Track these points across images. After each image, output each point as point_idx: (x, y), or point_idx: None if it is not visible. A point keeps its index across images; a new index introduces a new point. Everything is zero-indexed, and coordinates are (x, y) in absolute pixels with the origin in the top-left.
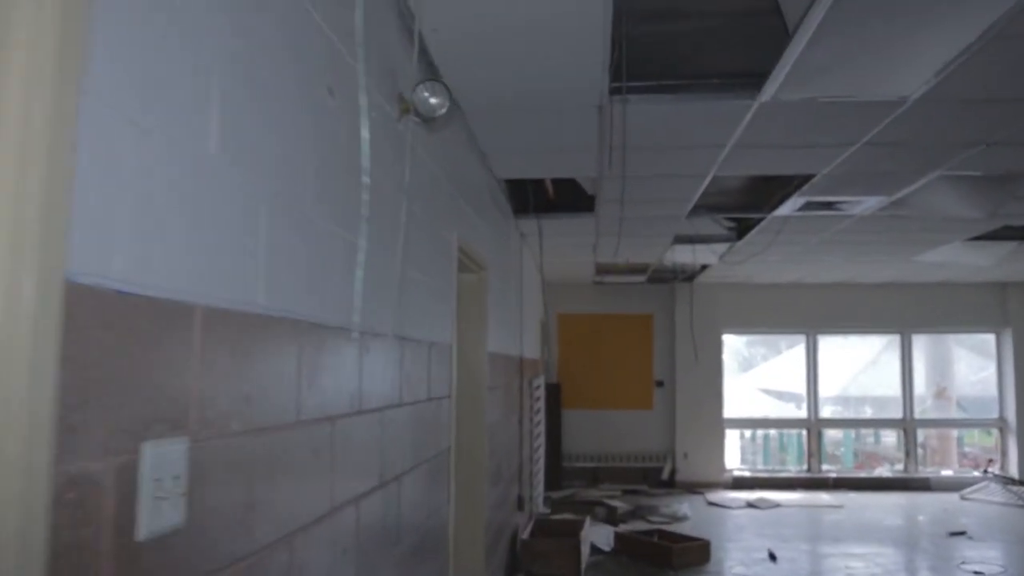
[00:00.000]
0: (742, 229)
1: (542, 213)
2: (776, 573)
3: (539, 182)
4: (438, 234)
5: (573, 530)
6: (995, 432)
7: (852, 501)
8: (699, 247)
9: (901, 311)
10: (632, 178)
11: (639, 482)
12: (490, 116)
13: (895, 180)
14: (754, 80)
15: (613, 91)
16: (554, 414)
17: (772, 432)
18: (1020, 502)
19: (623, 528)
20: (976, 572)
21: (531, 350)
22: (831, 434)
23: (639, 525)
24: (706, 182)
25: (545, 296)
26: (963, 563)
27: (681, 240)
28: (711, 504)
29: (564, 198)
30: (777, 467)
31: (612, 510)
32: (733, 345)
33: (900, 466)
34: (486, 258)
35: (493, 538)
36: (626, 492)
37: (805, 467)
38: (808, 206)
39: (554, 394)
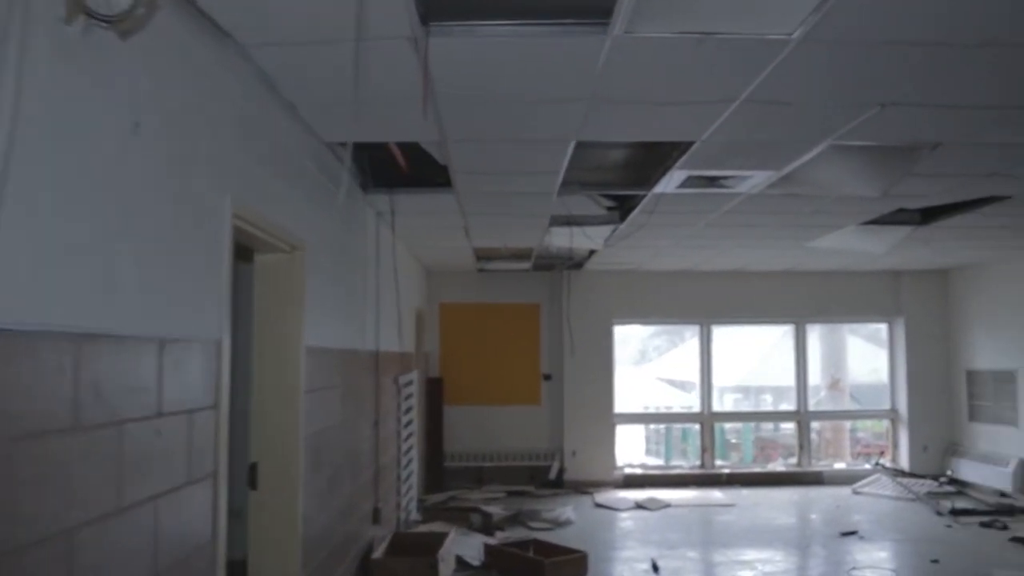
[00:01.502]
0: (625, 210)
1: (395, 188)
2: None
3: (386, 151)
4: (190, 196)
5: (435, 544)
6: (887, 423)
7: (744, 499)
8: (579, 230)
9: (795, 301)
10: (481, 143)
11: (526, 482)
12: (281, 53)
13: (782, 150)
14: (603, 3)
15: (428, 19)
16: (435, 411)
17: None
18: (909, 495)
19: (499, 537)
20: None
21: (398, 343)
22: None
23: (518, 533)
24: (569, 149)
25: (426, 284)
26: (854, 568)
27: (558, 222)
28: (599, 506)
29: (424, 171)
30: (678, 460)
31: (488, 517)
32: (638, 334)
33: (794, 459)
34: (304, 236)
35: (327, 560)
36: (511, 494)
37: (699, 462)
38: (691, 182)
39: (435, 389)
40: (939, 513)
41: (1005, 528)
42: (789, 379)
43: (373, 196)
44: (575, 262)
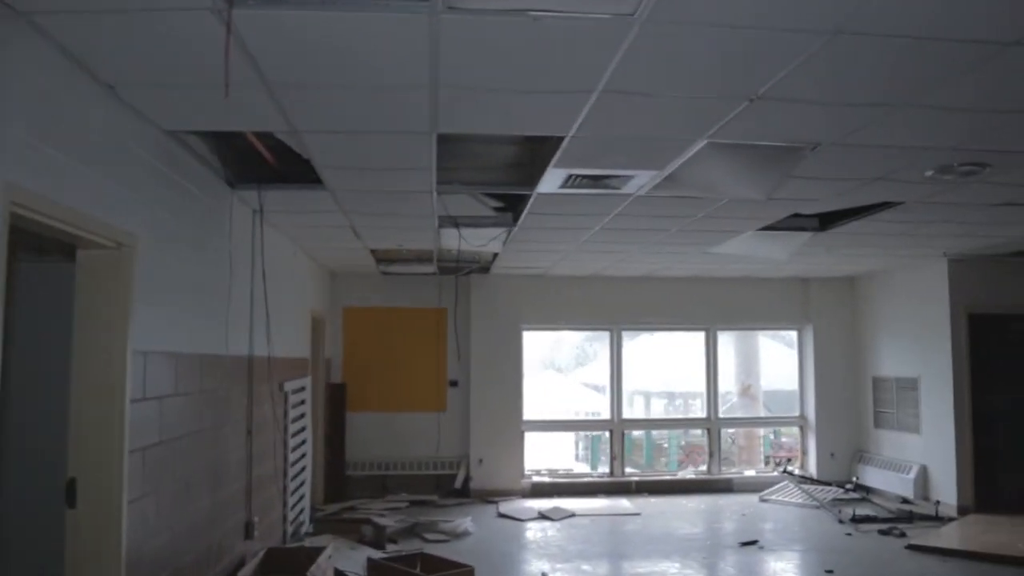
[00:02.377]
0: (517, 212)
1: (264, 184)
2: None
3: (250, 144)
4: None
5: (311, 561)
6: (793, 431)
7: (652, 507)
8: (472, 231)
9: (705, 307)
10: (336, 135)
11: (431, 491)
12: (75, 24)
13: (659, 148)
14: None
15: None
16: (338, 418)
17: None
18: (814, 503)
19: (391, 550)
20: None
21: (284, 348)
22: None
23: (412, 545)
24: (433, 142)
25: (329, 287)
26: None
27: (446, 223)
28: (501, 516)
29: (296, 167)
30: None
31: (381, 529)
32: (572, 339)
33: (704, 467)
34: (135, 231)
35: None
36: (414, 503)
37: (607, 470)
38: (575, 181)
39: (338, 396)
40: (841, 521)
41: (903, 535)
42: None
43: (244, 192)
44: (481, 265)
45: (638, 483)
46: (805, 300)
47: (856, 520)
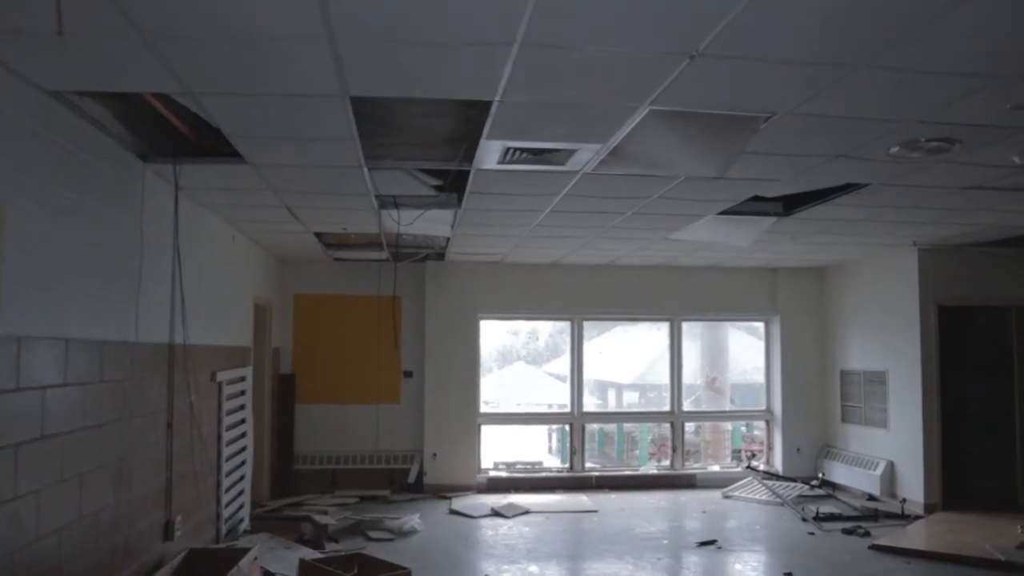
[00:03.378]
0: (464, 193)
1: (180, 157)
2: None
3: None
4: None
5: (232, 563)
6: (763, 424)
7: (611, 504)
8: (411, 213)
9: (671, 297)
10: (238, 98)
11: (383, 486)
12: None
13: (598, 116)
14: None
15: None
16: (286, 410)
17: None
18: (778, 500)
19: (330, 550)
20: None
21: (218, 336)
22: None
23: (356, 544)
24: (347, 107)
25: (278, 274)
26: None
27: (387, 204)
28: (453, 512)
29: (218, 141)
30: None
31: (321, 527)
32: (546, 328)
33: (667, 462)
34: None
35: None
36: (364, 499)
37: (567, 465)
38: (514, 156)
39: (287, 387)
40: (804, 519)
41: (867, 535)
42: (687, 377)
43: (159, 167)
44: (435, 252)
45: (598, 478)
46: (773, 291)
47: (819, 518)
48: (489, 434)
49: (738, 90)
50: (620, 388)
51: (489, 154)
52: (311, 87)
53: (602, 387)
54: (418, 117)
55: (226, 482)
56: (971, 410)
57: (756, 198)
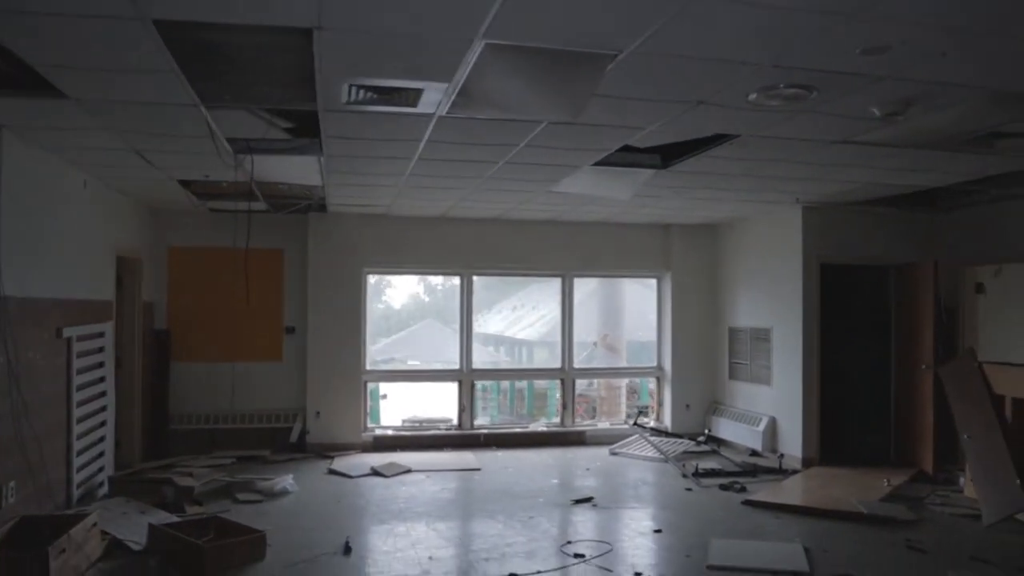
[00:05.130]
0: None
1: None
2: (338, 570)
3: None
4: None
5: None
6: (654, 381)
7: (496, 462)
8: (273, 160)
9: (562, 252)
10: (15, 15)
11: (265, 446)
12: None
13: (433, 49)
14: None
15: None
16: (161, 368)
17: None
18: (661, 456)
19: (191, 513)
20: (577, 555)
21: (67, 289)
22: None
23: (223, 506)
24: (155, 34)
25: (150, 224)
26: (568, 542)
27: (242, 148)
28: (332, 472)
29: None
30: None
31: (183, 490)
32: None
33: (557, 419)
34: None
35: None
36: (242, 459)
37: (455, 423)
38: (359, 95)
39: (161, 344)
40: (684, 475)
41: (743, 490)
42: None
43: None
44: (316, 203)
45: (487, 436)
46: (666, 247)
47: (699, 475)
48: (401, 392)
49: (572, 20)
50: (530, 345)
51: (331, 93)
52: (101, 7)
53: (511, 344)
54: (255, 51)
55: (80, 444)
56: (851, 367)
57: (630, 149)
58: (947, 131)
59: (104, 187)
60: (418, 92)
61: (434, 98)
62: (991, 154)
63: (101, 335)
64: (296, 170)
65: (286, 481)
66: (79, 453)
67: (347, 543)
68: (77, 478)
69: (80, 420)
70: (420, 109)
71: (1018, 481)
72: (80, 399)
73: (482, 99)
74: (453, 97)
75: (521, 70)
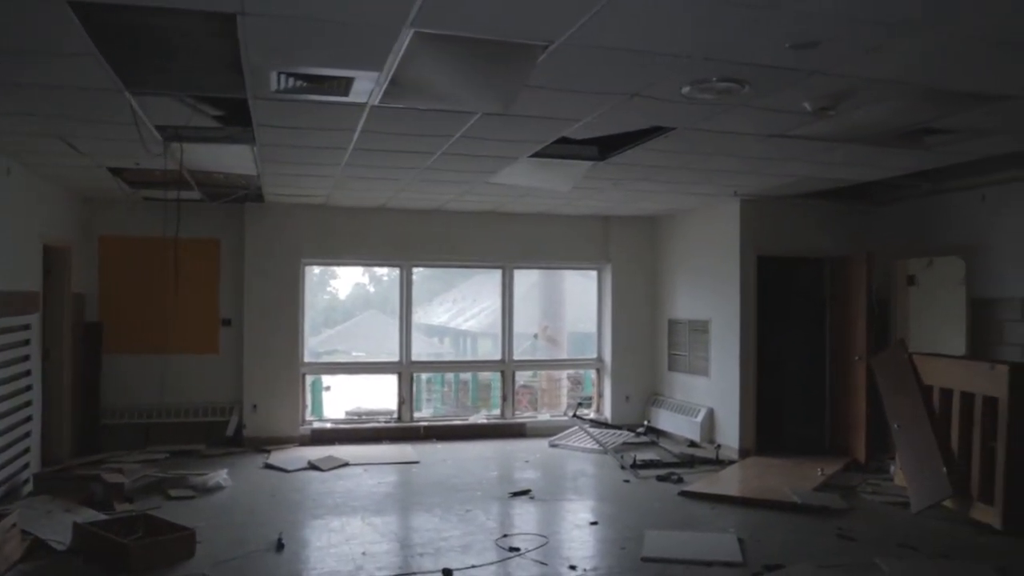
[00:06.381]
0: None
1: None
2: (269, 567)
3: None
4: None
5: None
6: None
7: (436, 454)
8: (199, 147)
9: (503, 243)
10: None
11: (201, 440)
12: None
13: (362, 36)
14: None
15: None
16: (92, 361)
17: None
18: (600, 448)
19: (121, 511)
20: (512, 548)
21: None
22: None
23: (154, 503)
24: (71, 16)
25: (80, 213)
26: (504, 535)
27: (171, 136)
28: (268, 466)
29: None
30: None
31: (112, 487)
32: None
33: (495, 411)
34: None
35: None
36: (176, 454)
37: (395, 416)
38: (289, 83)
39: (93, 336)
40: (623, 467)
41: (680, 481)
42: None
43: None
44: (253, 193)
45: (427, 428)
46: (606, 239)
47: (637, 466)
48: (345, 384)
49: (500, 10)
50: (475, 336)
51: (260, 81)
52: None
53: (456, 335)
54: (181, 36)
55: (1, 441)
56: (787, 358)
57: (568, 141)
58: (878, 126)
59: (30, 174)
60: (349, 81)
61: (366, 87)
62: (921, 149)
63: (26, 327)
64: (230, 159)
65: (220, 476)
66: (1, 450)
67: (280, 539)
68: None
69: (2, 416)
70: (352, 98)
71: (945, 469)
72: (2, 393)
73: (414, 89)
74: (385, 86)
75: (451, 60)
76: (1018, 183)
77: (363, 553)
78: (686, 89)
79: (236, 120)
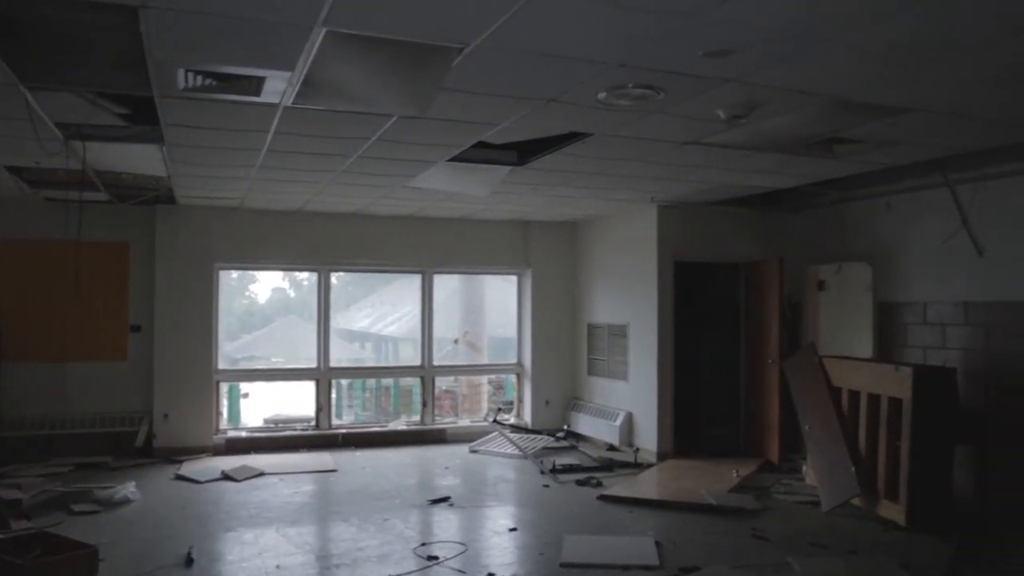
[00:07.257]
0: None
1: None
2: None
3: None
4: None
5: None
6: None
7: (354, 462)
8: (103, 147)
9: (422, 248)
10: None
11: (109, 452)
12: None
13: (272, 35)
14: None
15: None
16: None
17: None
18: (520, 453)
19: (17, 529)
20: (431, 557)
21: None
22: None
23: (55, 519)
24: None
25: None
26: (422, 544)
27: (71, 134)
28: (179, 478)
29: None
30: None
31: (9, 504)
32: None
33: (417, 417)
34: None
35: None
36: (81, 467)
37: (313, 423)
38: (198, 82)
39: None
40: (542, 472)
41: (599, 485)
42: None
43: None
44: (163, 194)
45: (345, 435)
46: (525, 244)
47: (556, 471)
48: (264, 391)
49: (413, 11)
50: (396, 342)
51: (166, 78)
52: None
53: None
54: (81, 29)
55: None
56: (704, 362)
57: (486, 146)
58: (789, 135)
59: None
60: (260, 80)
61: (278, 87)
62: (830, 158)
63: None
64: (137, 159)
65: (127, 489)
66: None
67: (189, 553)
68: None
69: None
70: (264, 99)
71: (853, 469)
72: None
73: (327, 90)
74: (298, 87)
75: (366, 60)
76: (922, 191)
77: (277, 566)
78: (603, 95)
79: (144, 119)
